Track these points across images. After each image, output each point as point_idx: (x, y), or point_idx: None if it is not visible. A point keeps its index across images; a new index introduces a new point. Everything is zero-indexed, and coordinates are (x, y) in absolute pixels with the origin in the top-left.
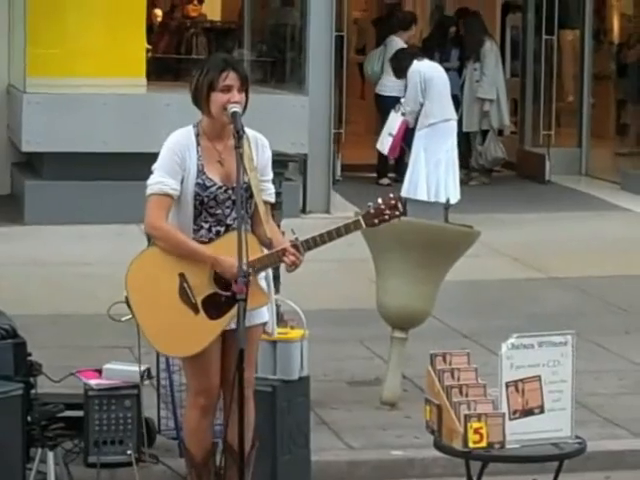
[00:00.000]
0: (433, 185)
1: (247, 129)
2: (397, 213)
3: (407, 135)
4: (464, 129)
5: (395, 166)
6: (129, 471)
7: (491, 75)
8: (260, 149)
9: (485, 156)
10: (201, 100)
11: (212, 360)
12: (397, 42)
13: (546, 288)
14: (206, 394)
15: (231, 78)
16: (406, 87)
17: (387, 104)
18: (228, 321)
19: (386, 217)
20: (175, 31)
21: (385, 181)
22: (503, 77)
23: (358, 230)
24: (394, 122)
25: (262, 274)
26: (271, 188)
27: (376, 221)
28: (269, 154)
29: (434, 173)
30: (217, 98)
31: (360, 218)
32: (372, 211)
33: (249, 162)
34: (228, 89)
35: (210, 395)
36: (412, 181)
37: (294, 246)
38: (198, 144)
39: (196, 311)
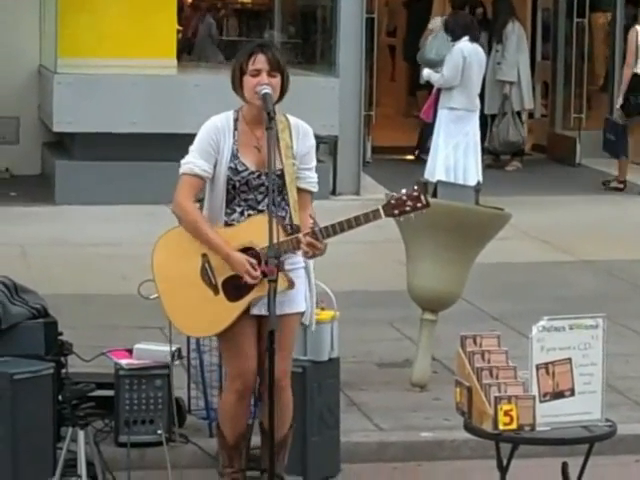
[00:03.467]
0: (452, 166)
1: (290, 116)
2: (419, 205)
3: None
4: (485, 111)
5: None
6: (159, 451)
7: (511, 57)
8: (301, 137)
9: (498, 139)
10: (236, 85)
11: (247, 345)
12: None
13: (576, 271)
14: (242, 379)
15: (259, 61)
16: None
17: None
18: (247, 304)
19: (407, 209)
20: (206, 12)
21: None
22: (527, 59)
23: (377, 220)
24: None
25: (301, 263)
26: (311, 177)
27: (396, 212)
28: (311, 142)
29: (452, 155)
30: (248, 82)
31: (380, 208)
32: (393, 202)
33: (286, 149)
34: (258, 72)
35: (246, 380)
36: (432, 162)
37: (312, 234)
38: (235, 129)
39: (216, 292)
